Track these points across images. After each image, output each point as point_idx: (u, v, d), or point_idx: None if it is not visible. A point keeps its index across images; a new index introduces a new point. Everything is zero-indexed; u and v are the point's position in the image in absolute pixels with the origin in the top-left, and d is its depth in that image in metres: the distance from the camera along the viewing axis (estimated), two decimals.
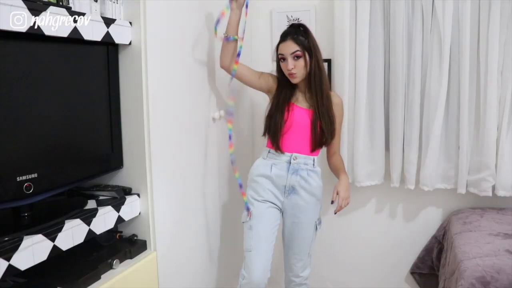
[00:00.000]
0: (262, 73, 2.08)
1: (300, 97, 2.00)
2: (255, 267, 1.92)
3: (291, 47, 1.90)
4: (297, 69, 1.91)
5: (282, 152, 1.98)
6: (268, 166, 2.00)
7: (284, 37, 1.94)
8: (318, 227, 2.05)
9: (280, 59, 1.97)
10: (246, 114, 2.58)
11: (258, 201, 2.00)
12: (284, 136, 1.98)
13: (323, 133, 1.96)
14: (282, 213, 2.06)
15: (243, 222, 2.03)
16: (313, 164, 2.00)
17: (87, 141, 1.58)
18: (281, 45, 1.94)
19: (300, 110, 1.98)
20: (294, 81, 1.95)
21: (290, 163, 1.97)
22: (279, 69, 2.01)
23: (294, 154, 1.97)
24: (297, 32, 1.92)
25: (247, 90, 2.60)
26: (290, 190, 1.99)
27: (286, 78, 1.98)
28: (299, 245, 2.04)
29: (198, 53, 2.03)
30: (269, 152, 2.02)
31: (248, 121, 2.61)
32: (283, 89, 2.01)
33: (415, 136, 2.37)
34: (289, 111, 1.97)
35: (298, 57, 1.90)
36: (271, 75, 2.08)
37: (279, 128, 1.97)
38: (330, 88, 2.07)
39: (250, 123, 2.63)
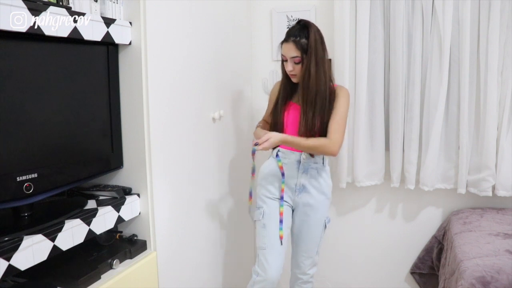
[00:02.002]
0: (271, 107, 2.09)
1: (299, 95, 1.99)
2: (269, 265, 1.94)
3: (291, 51, 1.87)
4: (296, 71, 1.91)
5: (290, 151, 1.98)
6: (274, 165, 2.01)
7: (287, 37, 1.90)
8: (327, 225, 2.07)
9: (282, 59, 1.96)
10: (246, 115, 2.58)
11: (270, 198, 2.01)
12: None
13: (307, 129, 1.90)
14: (293, 211, 2.07)
15: (255, 221, 2.04)
16: (323, 163, 2.01)
17: (87, 141, 1.58)
18: (283, 45, 1.92)
19: (297, 108, 1.98)
20: (294, 80, 1.96)
21: (300, 162, 1.98)
22: (283, 66, 1.99)
23: (304, 153, 1.97)
24: (300, 34, 1.86)
25: (247, 90, 2.60)
26: (301, 189, 2.01)
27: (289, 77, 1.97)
28: (308, 243, 2.06)
29: (198, 53, 2.03)
30: (278, 151, 2.02)
31: (248, 121, 2.61)
32: (285, 87, 2.01)
33: (415, 136, 2.37)
34: (287, 110, 1.98)
35: (297, 62, 1.89)
36: (271, 98, 2.11)
37: (277, 127, 1.99)
38: (332, 82, 1.98)
39: (250, 124, 2.62)
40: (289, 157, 1.99)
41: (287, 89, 2.00)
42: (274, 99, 2.07)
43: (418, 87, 2.34)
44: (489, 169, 2.26)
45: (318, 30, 1.90)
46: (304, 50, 1.86)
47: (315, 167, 1.99)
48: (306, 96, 1.90)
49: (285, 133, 1.98)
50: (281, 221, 1.98)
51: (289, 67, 1.91)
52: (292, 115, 1.98)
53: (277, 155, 2.01)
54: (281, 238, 1.97)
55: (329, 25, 2.45)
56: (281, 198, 1.99)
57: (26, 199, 1.34)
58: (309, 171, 1.98)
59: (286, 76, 1.99)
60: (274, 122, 2.01)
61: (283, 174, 1.98)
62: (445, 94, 2.28)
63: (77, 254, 1.58)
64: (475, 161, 2.33)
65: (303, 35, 1.86)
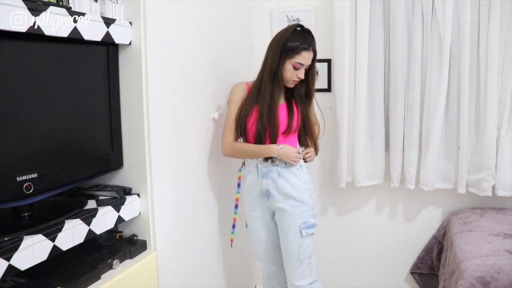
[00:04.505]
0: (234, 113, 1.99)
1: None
2: (265, 273, 2.13)
3: (309, 60, 1.88)
4: None
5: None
6: (245, 176, 2.05)
7: (308, 45, 1.86)
8: (303, 231, 1.90)
9: (294, 66, 1.86)
10: None
11: (249, 211, 2.07)
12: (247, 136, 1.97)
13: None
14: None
15: (246, 227, 2.13)
16: (285, 163, 1.91)
17: (87, 141, 1.58)
18: (304, 53, 1.84)
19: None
20: (292, 86, 1.93)
21: (257, 167, 1.97)
22: (274, 71, 1.87)
23: (258, 158, 1.95)
24: (314, 43, 1.90)
25: None
26: (268, 194, 1.96)
27: (273, 82, 1.89)
28: (285, 251, 1.98)
29: (198, 53, 2.03)
30: (245, 160, 2.05)
31: None
32: (280, 92, 1.94)
33: (415, 136, 2.38)
34: (281, 111, 1.94)
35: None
36: (237, 99, 2.00)
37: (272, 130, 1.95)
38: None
39: None
40: (250, 164, 2.00)
41: (281, 93, 1.95)
42: (240, 103, 1.96)
43: (418, 87, 2.34)
44: (489, 169, 2.26)
45: None
46: None
47: (275, 170, 1.92)
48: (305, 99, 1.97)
49: (280, 132, 1.93)
50: (233, 226, 2.12)
51: (302, 74, 1.88)
52: (283, 114, 1.94)
53: (243, 163, 2.05)
54: (231, 241, 2.13)
55: (329, 25, 2.46)
56: (235, 206, 2.12)
57: (26, 199, 1.34)
58: (269, 175, 1.93)
59: (281, 80, 1.90)
60: (266, 125, 1.90)
61: (238, 185, 2.08)
62: (445, 94, 2.28)
63: (77, 254, 1.58)
64: (475, 161, 2.33)
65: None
